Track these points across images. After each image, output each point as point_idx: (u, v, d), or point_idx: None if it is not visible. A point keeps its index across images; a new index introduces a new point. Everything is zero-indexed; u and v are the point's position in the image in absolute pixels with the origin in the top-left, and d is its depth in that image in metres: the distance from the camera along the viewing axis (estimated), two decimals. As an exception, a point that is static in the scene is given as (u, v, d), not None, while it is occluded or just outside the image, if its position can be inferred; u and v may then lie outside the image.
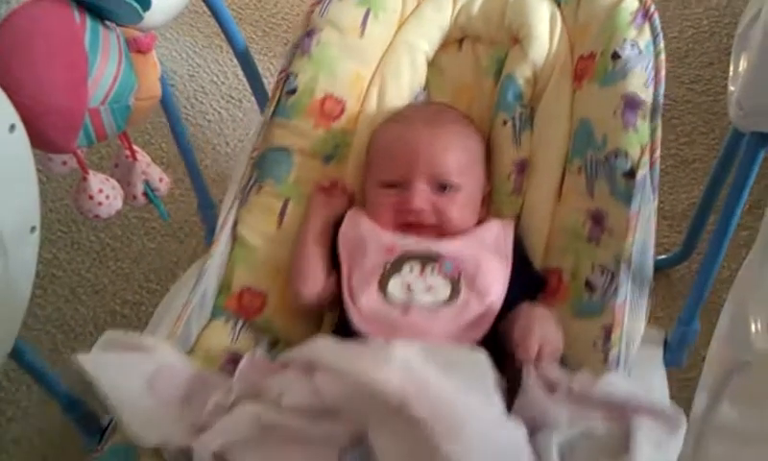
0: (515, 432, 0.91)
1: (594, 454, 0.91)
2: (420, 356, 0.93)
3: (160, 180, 1.26)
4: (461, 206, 1.20)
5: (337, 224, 1.23)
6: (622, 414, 0.92)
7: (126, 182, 1.22)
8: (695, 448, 0.86)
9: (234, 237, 1.25)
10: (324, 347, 1.00)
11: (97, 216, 1.15)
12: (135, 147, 1.22)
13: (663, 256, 1.72)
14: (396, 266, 1.15)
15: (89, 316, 1.80)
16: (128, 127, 1.14)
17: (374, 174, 1.24)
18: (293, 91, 1.28)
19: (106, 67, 1.04)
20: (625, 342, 1.05)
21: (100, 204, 1.13)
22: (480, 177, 1.25)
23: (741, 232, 1.37)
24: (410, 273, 1.14)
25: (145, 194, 1.25)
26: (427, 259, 1.15)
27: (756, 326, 0.76)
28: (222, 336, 1.20)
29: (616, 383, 0.98)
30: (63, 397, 1.26)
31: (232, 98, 2.11)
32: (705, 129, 1.93)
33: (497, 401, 0.94)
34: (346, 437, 0.93)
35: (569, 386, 0.98)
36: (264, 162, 1.28)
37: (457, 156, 1.21)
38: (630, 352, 1.06)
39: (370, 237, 1.19)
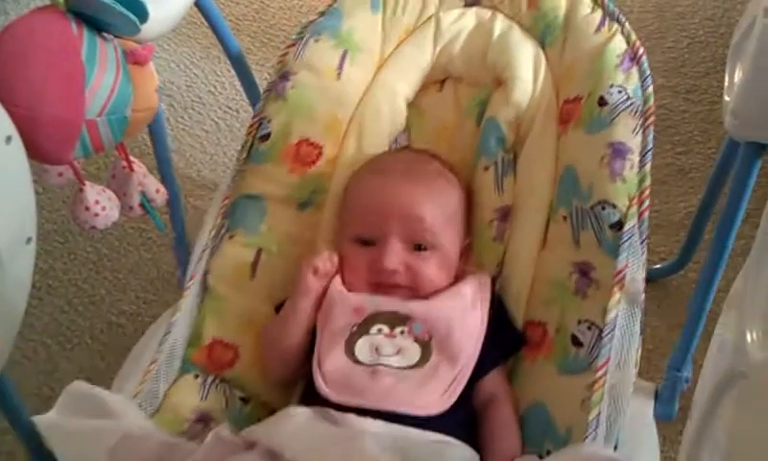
0: None
1: None
2: (390, 454, 0.91)
3: (157, 191, 1.24)
4: (437, 266, 1.15)
5: None
6: None
7: (122, 193, 1.20)
8: (697, 441, 0.86)
9: (205, 287, 1.21)
10: (292, 433, 0.97)
11: (93, 227, 1.14)
12: (132, 158, 1.21)
13: (659, 266, 1.71)
14: (363, 327, 1.10)
15: (86, 326, 1.79)
16: (125, 138, 1.12)
17: (347, 228, 1.19)
18: (266, 136, 1.24)
19: (103, 79, 1.03)
20: (610, 400, 1.01)
21: (96, 215, 1.13)
22: (459, 232, 1.20)
23: (738, 242, 1.36)
24: (378, 334, 1.09)
25: (141, 205, 1.23)
26: (396, 320, 1.10)
27: (751, 336, 0.75)
28: (191, 393, 1.15)
29: (563, 457, 0.96)
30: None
31: (230, 108, 2.11)
32: (701, 138, 1.93)
33: None
34: None
35: None
36: (235, 211, 1.24)
37: (434, 213, 1.16)
38: (618, 412, 1.01)
39: (337, 299, 1.14)
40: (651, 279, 1.12)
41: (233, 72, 1.53)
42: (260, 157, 1.25)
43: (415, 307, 1.12)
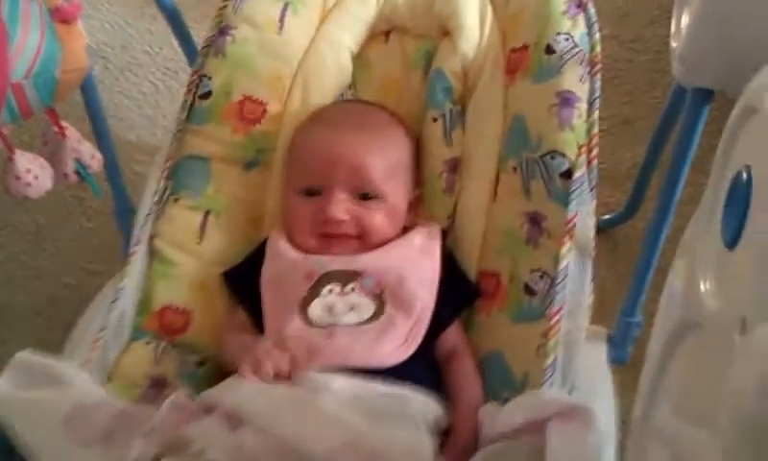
0: None
1: None
2: (350, 407, 0.91)
3: (92, 157, 1.21)
4: (384, 216, 1.14)
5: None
6: (537, 428, 0.91)
7: (56, 161, 1.17)
8: (643, 419, 0.86)
9: (151, 252, 1.17)
10: (249, 394, 0.96)
11: (26, 197, 1.11)
12: (65, 123, 1.17)
13: (607, 216, 1.72)
14: (314, 290, 1.09)
15: (29, 302, 1.73)
16: (55, 102, 1.08)
17: (292, 180, 1.17)
18: (207, 95, 1.20)
19: (27, 39, 0.99)
20: (564, 347, 1.03)
21: (28, 184, 1.09)
22: (406, 183, 1.19)
23: (686, 189, 1.37)
24: (330, 294, 1.08)
25: (77, 172, 1.20)
26: (347, 278, 1.09)
27: (704, 285, 0.75)
28: (143, 360, 1.12)
29: (517, 405, 0.97)
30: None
31: (168, 69, 2.04)
32: (646, 88, 1.93)
33: (428, 450, 0.93)
34: None
35: (484, 433, 0.98)
36: (179, 172, 1.20)
37: (381, 162, 1.15)
38: (572, 357, 1.03)
39: (287, 269, 1.12)
40: (599, 230, 1.13)
41: (171, 31, 1.47)
42: (202, 116, 1.21)
43: (364, 261, 1.11)
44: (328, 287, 1.09)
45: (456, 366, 1.10)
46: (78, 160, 1.19)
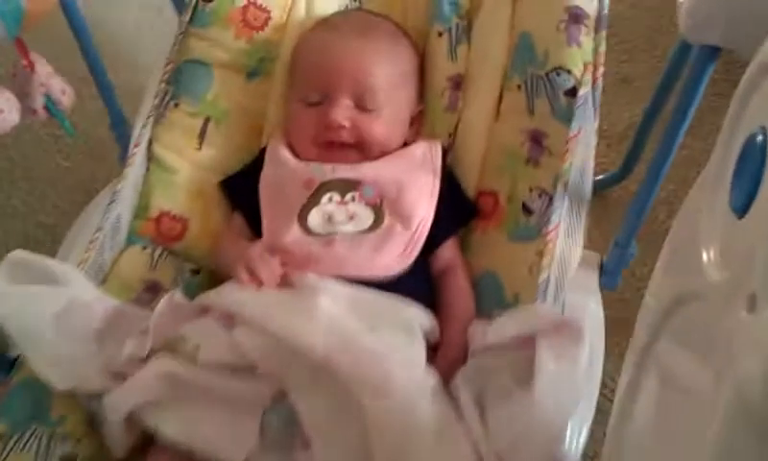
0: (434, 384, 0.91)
1: (506, 384, 0.89)
2: (345, 309, 0.91)
3: (63, 92, 1.15)
4: (385, 126, 1.13)
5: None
6: (527, 343, 0.91)
7: (24, 95, 1.11)
8: (631, 385, 0.83)
9: (150, 157, 1.16)
10: (246, 295, 0.95)
11: None
12: (35, 56, 1.11)
13: (601, 177, 1.68)
14: (314, 198, 1.08)
15: (1, 241, 1.67)
16: (22, 32, 1.03)
17: (295, 87, 1.16)
18: None
19: None
20: (558, 267, 1.02)
21: None
22: (410, 96, 1.18)
23: (681, 152, 1.35)
24: (329, 203, 1.07)
25: (46, 108, 1.14)
26: (346, 187, 1.08)
27: (708, 254, 0.70)
28: (138, 264, 1.12)
29: (507, 321, 0.96)
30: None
31: (152, 5, 1.97)
32: (646, 46, 1.88)
33: (421, 355, 0.93)
34: (267, 396, 0.90)
35: (471, 349, 0.97)
36: (180, 76, 1.18)
37: (385, 72, 1.13)
38: (564, 277, 1.03)
39: (286, 176, 1.11)
40: (592, 191, 1.12)
41: None
42: (205, 18, 1.18)
43: (364, 171, 1.10)
44: (328, 195, 1.08)
45: (450, 281, 1.09)
46: (47, 96, 1.13)
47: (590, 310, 1.14)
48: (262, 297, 0.96)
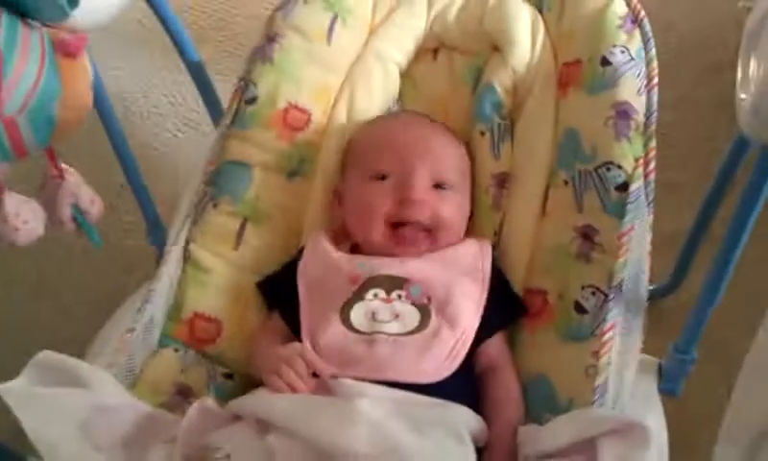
0: None
1: None
2: (388, 412, 0.85)
3: (92, 202, 1.13)
4: (456, 210, 1.11)
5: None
6: (586, 447, 0.84)
7: (52, 205, 1.08)
8: None
9: (186, 258, 1.14)
10: (280, 400, 0.90)
11: (13, 243, 1.01)
12: (64, 165, 1.09)
13: (651, 287, 1.61)
14: (358, 294, 1.03)
15: (26, 356, 1.63)
16: (54, 141, 1.00)
17: (364, 167, 1.12)
18: (252, 100, 1.18)
19: (24, 69, 0.90)
20: (615, 369, 0.97)
21: (17, 229, 1.00)
22: (469, 189, 1.17)
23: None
24: (374, 299, 1.03)
25: (74, 219, 1.11)
26: (393, 284, 1.04)
27: None
28: (170, 367, 1.08)
29: (561, 423, 0.90)
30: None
31: (191, 121, 1.99)
32: (691, 152, 1.84)
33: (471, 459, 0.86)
34: None
35: (524, 455, 0.91)
36: (220, 177, 1.17)
37: (455, 157, 1.14)
38: (623, 381, 0.97)
39: (330, 270, 1.07)
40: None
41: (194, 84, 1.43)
42: (247, 121, 1.19)
43: (412, 269, 1.06)
44: (373, 291, 1.04)
45: (496, 380, 1.04)
46: (76, 206, 1.11)
47: (650, 419, 1.05)
48: (297, 401, 0.91)
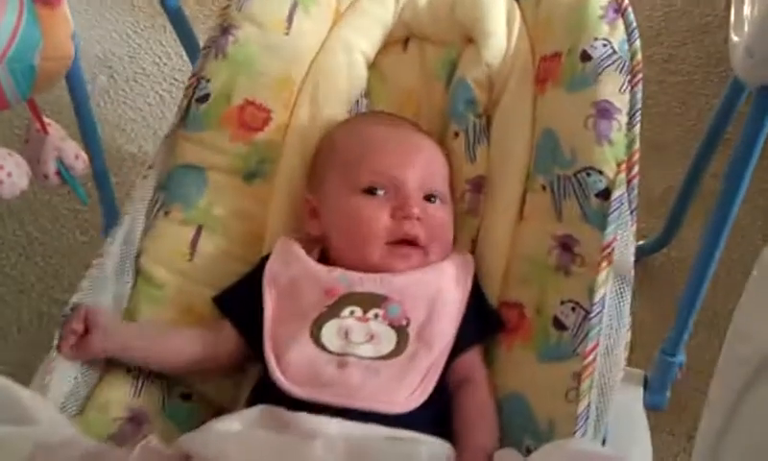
0: None
1: None
2: (345, 457, 0.80)
3: (76, 157, 1.12)
4: (449, 221, 1.07)
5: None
6: None
7: (36, 159, 1.08)
8: (717, 443, 0.75)
9: (137, 271, 1.07)
10: (229, 440, 0.85)
11: None
12: (48, 120, 1.09)
13: (641, 243, 1.61)
14: (333, 309, 0.97)
15: (13, 317, 1.64)
16: (35, 93, 0.99)
17: (349, 177, 1.05)
18: (204, 98, 1.11)
19: (2, 18, 0.90)
20: (598, 391, 0.91)
21: (0, 182, 1.00)
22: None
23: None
24: (350, 317, 0.97)
25: (59, 173, 1.11)
26: (371, 302, 0.98)
27: None
28: (121, 390, 1.01)
29: (551, 454, 0.85)
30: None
31: (176, 80, 1.96)
32: (679, 110, 1.86)
33: None
34: None
35: None
36: (171, 182, 1.10)
37: (441, 163, 1.10)
38: (607, 403, 0.91)
39: (304, 279, 1.01)
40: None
41: (180, 42, 1.39)
42: (198, 122, 1.11)
43: (394, 286, 1.00)
44: (349, 309, 0.98)
45: (469, 398, 0.98)
46: (60, 160, 1.09)
47: (635, 440, 1.04)
48: (249, 443, 0.86)
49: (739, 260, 1.58)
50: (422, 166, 1.05)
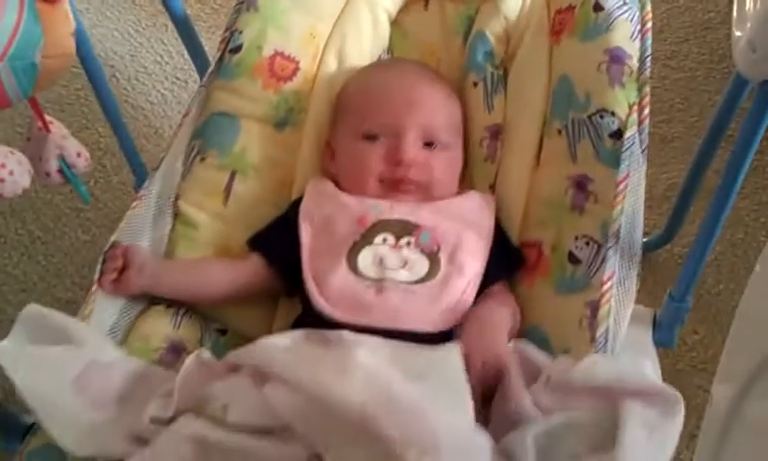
0: (485, 442, 0.79)
1: (577, 446, 0.79)
2: (386, 362, 0.82)
3: (78, 155, 1.11)
4: (448, 167, 1.10)
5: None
6: (609, 398, 0.80)
7: (38, 158, 1.07)
8: (720, 441, 0.73)
9: (176, 214, 1.11)
10: (277, 350, 0.88)
11: (0, 195, 1.00)
12: (49, 117, 1.08)
13: (644, 239, 1.59)
14: (366, 237, 1.02)
15: (16, 316, 1.61)
16: (36, 91, 0.99)
17: (354, 124, 1.10)
18: (237, 49, 1.15)
19: (3, 16, 0.89)
20: (613, 319, 0.94)
21: (2, 180, 0.99)
22: (461, 142, 1.15)
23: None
24: (383, 244, 1.01)
25: (60, 171, 1.10)
26: (403, 230, 1.02)
27: None
28: (161, 323, 1.05)
29: (600, 364, 0.85)
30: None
31: (177, 79, 1.94)
32: (682, 106, 1.84)
33: (469, 409, 0.82)
34: (303, 458, 0.80)
35: (547, 375, 0.87)
36: (207, 130, 1.14)
37: (446, 113, 1.12)
38: (619, 331, 0.95)
39: (337, 211, 1.05)
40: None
41: (181, 41, 1.40)
42: (231, 71, 1.15)
43: (423, 215, 1.05)
44: (382, 236, 1.02)
45: (494, 296, 1.02)
46: (62, 158, 1.09)
47: (647, 368, 1.00)
48: (294, 351, 0.89)
49: (743, 256, 1.59)
50: (422, 114, 1.08)
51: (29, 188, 1.06)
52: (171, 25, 1.41)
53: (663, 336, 1.18)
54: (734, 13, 1.09)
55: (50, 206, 1.74)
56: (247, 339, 1.02)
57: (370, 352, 0.85)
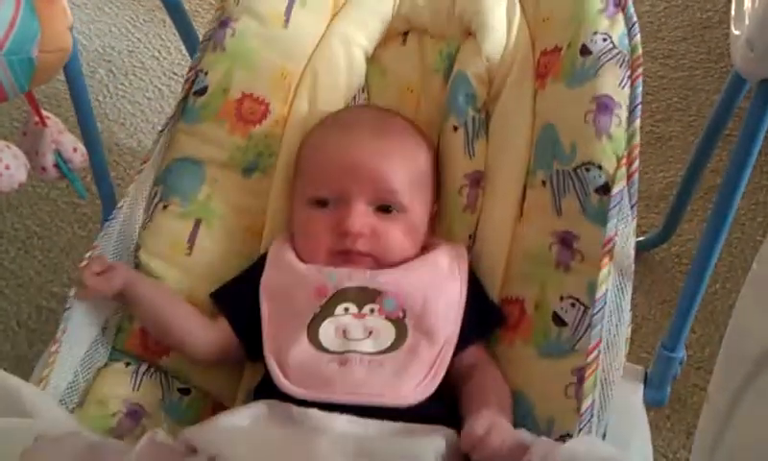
0: None
1: None
2: (352, 453, 0.79)
3: (74, 150, 1.11)
4: (405, 232, 1.03)
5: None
6: None
7: (34, 152, 1.07)
8: (717, 440, 0.74)
9: (136, 265, 1.07)
10: (236, 433, 0.84)
11: None
12: (46, 113, 1.08)
13: (642, 238, 1.61)
14: (327, 308, 0.97)
15: (12, 311, 1.63)
16: (33, 86, 0.99)
17: (303, 189, 1.06)
18: (202, 91, 1.10)
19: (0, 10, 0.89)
20: (601, 385, 0.90)
21: None
22: (427, 197, 1.08)
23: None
24: (345, 315, 0.96)
25: (57, 166, 1.10)
26: (365, 298, 0.97)
27: None
28: (120, 384, 1.02)
29: (580, 449, 0.82)
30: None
31: (175, 74, 1.96)
32: (680, 105, 1.85)
33: None
34: None
35: (528, 459, 0.82)
36: (169, 176, 1.09)
37: (403, 172, 1.04)
38: (607, 398, 0.90)
39: (294, 283, 1.00)
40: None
41: (180, 36, 1.38)
42: (196, 114, 1.10)
43: (385, 280, 0.99)
44: (343, 306, 0.97)
45: (479, 375, 0.97)
46: (58, 153, 1.08)
47: (635, 437, 1.03)
48: (255, 437, 0.85)
49: (739, 255, 1.60)
50: (373, 178, 1.02)
51: (25, 183, 1.07)
52: (169, 21, 1.42)
53: (655, 395, 1.15)
54: (733, 12, 1.07)
55: (46, 201, 1.77)
56: (210, 400, 1.02)
57: (333, 444, 0.82)
